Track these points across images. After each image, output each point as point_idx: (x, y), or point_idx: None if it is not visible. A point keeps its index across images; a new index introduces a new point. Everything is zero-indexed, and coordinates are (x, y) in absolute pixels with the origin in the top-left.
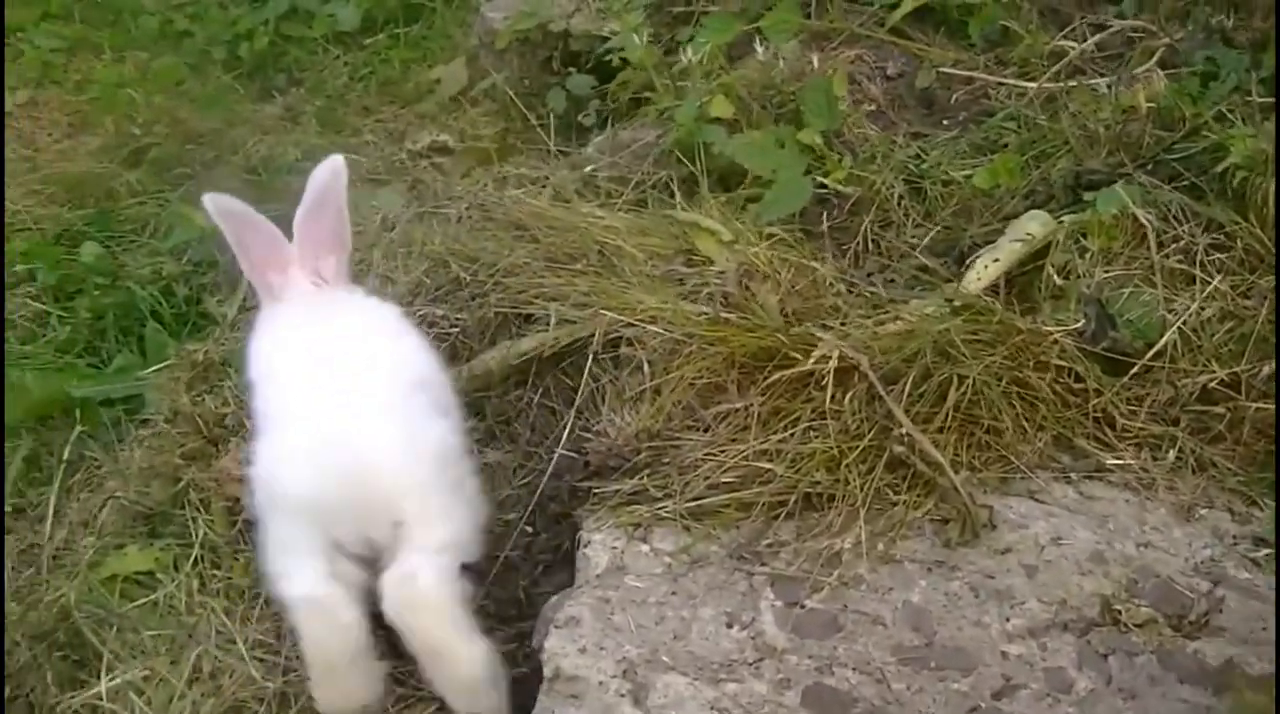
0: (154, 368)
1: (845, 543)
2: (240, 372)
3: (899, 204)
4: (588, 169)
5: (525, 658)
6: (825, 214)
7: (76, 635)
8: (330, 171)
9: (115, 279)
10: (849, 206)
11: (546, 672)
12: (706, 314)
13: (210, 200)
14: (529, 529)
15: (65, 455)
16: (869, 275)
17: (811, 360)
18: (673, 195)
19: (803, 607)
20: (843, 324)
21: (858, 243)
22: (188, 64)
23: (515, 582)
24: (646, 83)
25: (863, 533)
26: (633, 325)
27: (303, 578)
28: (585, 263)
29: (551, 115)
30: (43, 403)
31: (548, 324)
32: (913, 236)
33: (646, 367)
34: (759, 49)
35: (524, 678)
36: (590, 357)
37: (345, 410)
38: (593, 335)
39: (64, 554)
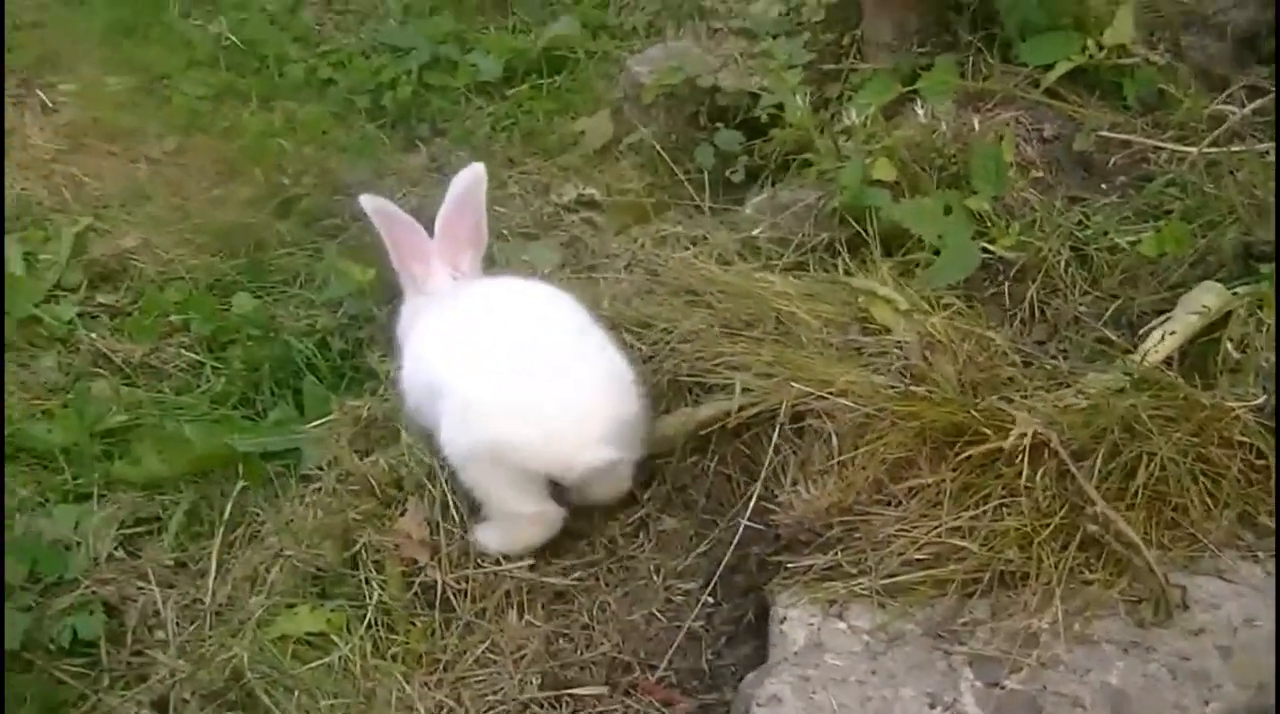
0: (314, 423)
1: (1042, 622)
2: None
3: (1065, 271)
4: (755, 232)
5: None
6: (989, 280)
7: (249, 697)
8: (472, 176)
9: (269, 331)
10: (1013, 272)
11: None
12: (896, 388)
13: (366, 201)
14: (710, 600)
15: (228, 510)
16: (1039, 343)
17: (1010, 438)
18: (835, 258)
19: (1002, 687)
20: (1024, 397)
21: (1024, 310)
22: (332, 113)
23: (699, 652)
24: (801, 141)
25: (1059, 612)
26: (823, 398)
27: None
28: (762, 330)
29: (699, 171)
30: (206, 457)
31: (727, 391)
32: (1080, 304)
33: (835, 440)
34: (919, 110)
35: None
36: (777, 428)
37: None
38: (778, 406)
39: (228, 611)
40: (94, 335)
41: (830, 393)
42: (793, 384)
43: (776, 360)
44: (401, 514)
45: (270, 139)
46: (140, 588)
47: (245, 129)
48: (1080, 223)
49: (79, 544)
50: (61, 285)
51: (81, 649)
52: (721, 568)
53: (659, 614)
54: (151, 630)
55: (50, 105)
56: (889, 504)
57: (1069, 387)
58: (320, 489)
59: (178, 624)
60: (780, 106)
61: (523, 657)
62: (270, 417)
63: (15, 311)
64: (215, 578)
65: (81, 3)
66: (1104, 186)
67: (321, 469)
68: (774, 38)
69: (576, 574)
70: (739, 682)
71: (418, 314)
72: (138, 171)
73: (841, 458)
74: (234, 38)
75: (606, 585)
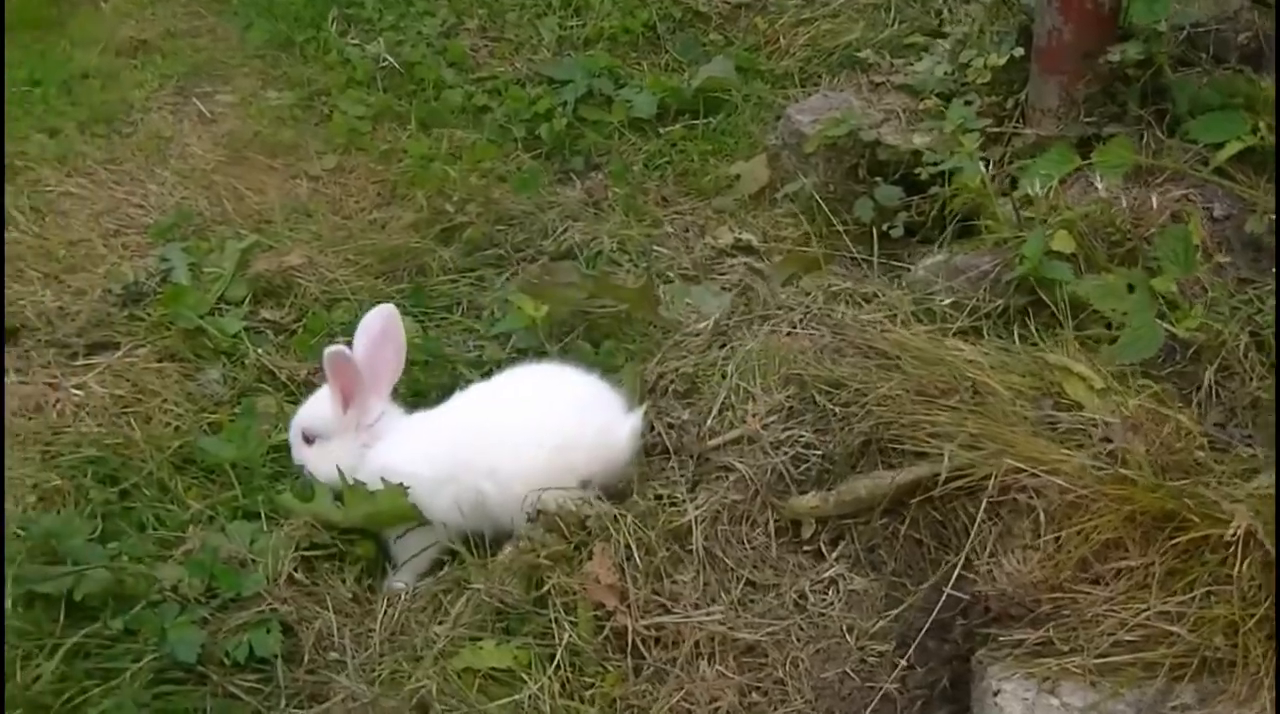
0: None
1: (1250, 712)
2: None
3: (1244, 354)
4: (931, 293)
5: None
6: (1165, 359)
7: None
8: (387, 315)
9: (436, 357)
10: (1190, 353)
11: None
12: (1103, 470)
13: (329, 352)
14: (905, 663)
15: None
16: (1218, 426)
17: (1229, 530)
18: (1010, 325)
19: None
20: (1219, 484)
21: (1200, 392)
22: (489, 140)
23: None
24: (972, 204)
25: (1267, 703)
26: (1035, 475)
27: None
28: (957, 399)
29: (857, 224)
30: (382, 513)
31: (929, 458)
32: (1257, 389)
33: (1043, 516)
34: (1098, 184)
35: None
36: (984, 500)
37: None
38: (984, 478)
39: (402, 638)
40: (259, 351)
41: (1043, 470)
42: (1007, 460)
43: (982, 432)
44: (588, 558)
45: (432, 164)
46: (317, 611)
47: (406, 152)
48: (1252, 303)
49: (254, 561)
50: (226, 298)
51: (256, 665)
52: (922, 633)
53: (852, 674)
54: (325, 652)
55: (208, 115)
56: (1096, 583)
57: (1260, 472)
58: None
59: (354, 648)
60: (938, 163)
61: (717, 709)
62: None
63: (181, 321)
64: (390, 608)
65: (235, 13)
66: (1274, 270)
67: None
68: (939, 97)
69: (768, 629)
70: None
71: (365, 448)
72: (298, 188)
73: (1051, 536)
74: (391, 59)
75: (798, 641)
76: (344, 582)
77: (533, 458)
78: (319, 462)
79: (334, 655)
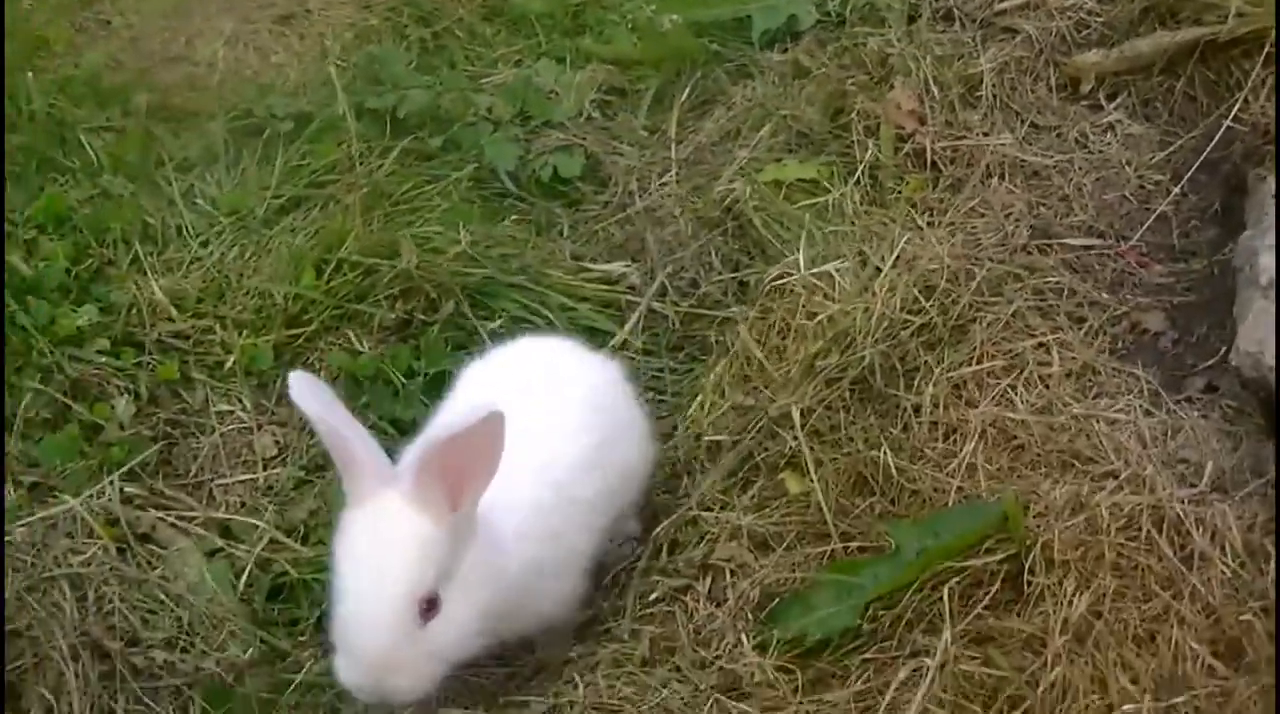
0: None
1: None
2: None
3: None
4: None
5: None
6: None
7: (742, 227)
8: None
9: None
10: None
11: None
12: None
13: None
14: (1178, 190)
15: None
16: None
17: None
18: None
19: None
20: None
21: None
22: None
23: (1168, 231)
24: None
25: None
26: None
27: None
28: None
29: None
30: (677, 48)
31: (1199, 23)
32: None
33: None
34: None
35: None
36: (1262, 53)
37: None
38: (1266, 29)
39: (698, 165)
40: None
41: None
42: None
43: None
44: (890, 88)
45: None
46: (615, 145)
47: None
48: None
49: (556, 94)
50: None
51: (561, 187)
52: (1195, 167)
53: (1130, 197)
54: (627, 175)
55: None
56: None
57: None
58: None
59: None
60: None
61: (1009, 214)
62: None
63: None
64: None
65: None
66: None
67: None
68: None
69: (1053, 159)
70: (1209, 254)
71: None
72: None
73: None
74: None
75: (1080, 170)
76: (636, 116)
77: None
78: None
79: (634, 185)
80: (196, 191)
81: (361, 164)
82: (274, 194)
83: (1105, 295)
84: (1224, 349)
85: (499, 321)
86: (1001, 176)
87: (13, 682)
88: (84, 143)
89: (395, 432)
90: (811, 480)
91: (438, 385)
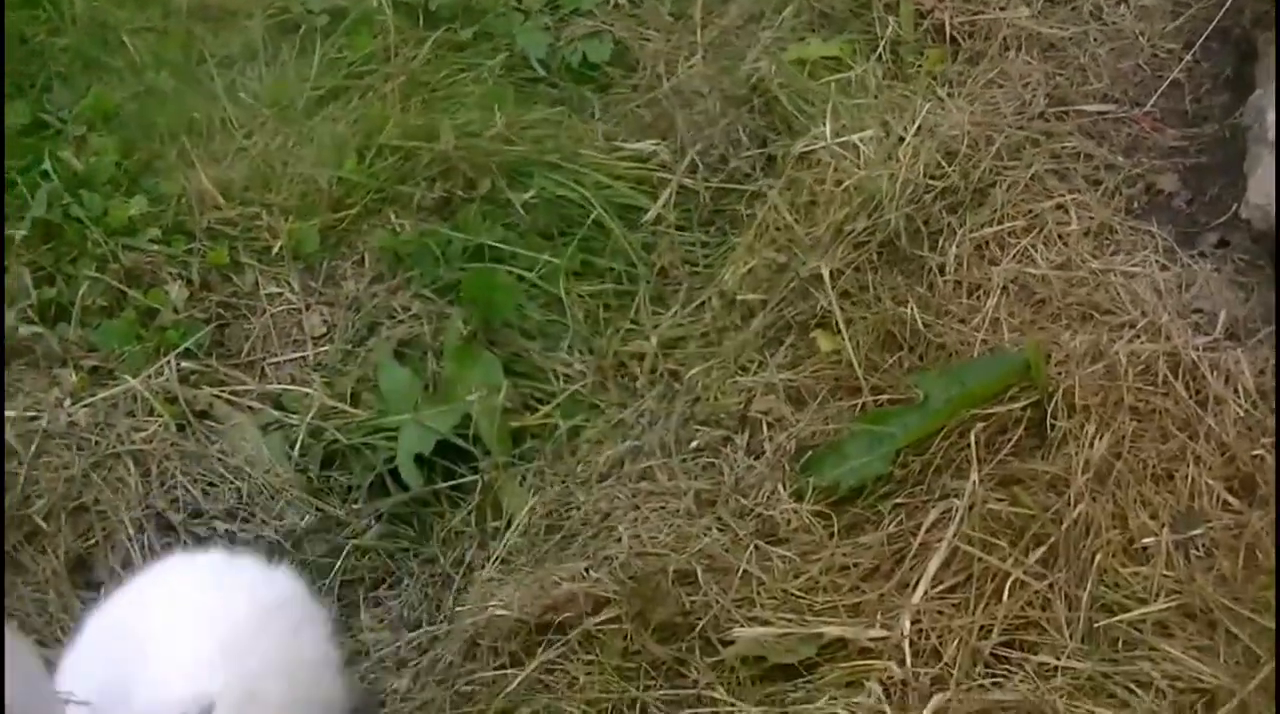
0: None
1: None
2: None
3: None
4: None
5: None
6: None
7: (768, 104)
8: None
9: None
10: None
11: None
12: None
13: None
14: (1190, 58)
15: None
16: None
17: None
18: None
19: None
20: None
21: None
22: None
23: (1181, 97)
24: None
25: None
26: None
27: None
28: None
29: None
30: None
31: None
32: None
33: None
34: None
35: None
36: None
37: None
38: None
39: (723, 49)
40: None
41: None
42: None
43: None
44: None
45: None
46: (642, 31)
47: None
48: None
49: None
50: None
51: (590, 73)
52: (1212, 26)
53: (1144, 66)
54: (655, 60)
55: None
56: None
57: None
58: None
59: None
60: None
61: (1026, 84)
62: None
63: None
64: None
65: None
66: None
67: None
68: None
69: (1068, 31)
70: (1220, 118)
71: None
72: None
73: None
74: None
75: (1095, 41)
76: (662, 2)
77: None
78: None
79: (661, 68)
80: (239, 86)
81: (396, 55)
82: (313, 86)
83: (1120, 159)
84: (1235, 207)
85: (530, 193)
86: (1019, 49)
87: (82, 555)
88: (126, 43)
89: (438, 297)
90: (842, 338)
91: (478, 256)
